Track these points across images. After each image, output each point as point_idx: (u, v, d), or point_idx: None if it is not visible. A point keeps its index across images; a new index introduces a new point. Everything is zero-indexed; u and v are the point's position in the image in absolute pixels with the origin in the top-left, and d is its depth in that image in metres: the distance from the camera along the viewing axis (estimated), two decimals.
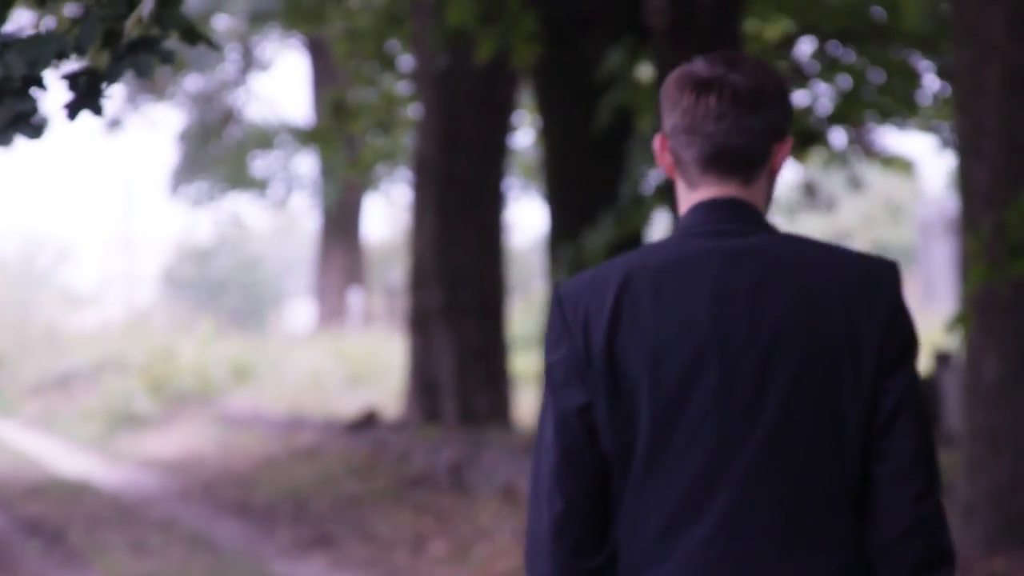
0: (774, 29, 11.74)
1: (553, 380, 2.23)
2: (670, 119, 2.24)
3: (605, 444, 2.20)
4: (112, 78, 3.13)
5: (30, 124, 3.14)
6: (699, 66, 2.23)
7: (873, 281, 2.20)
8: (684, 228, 2.23)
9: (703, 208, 2.23)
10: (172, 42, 3.30)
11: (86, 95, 3.17)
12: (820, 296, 2.18)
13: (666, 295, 2.18)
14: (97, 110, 3.16)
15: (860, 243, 34.63)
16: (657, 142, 2.28)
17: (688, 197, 2.26)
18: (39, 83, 3.14)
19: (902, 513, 2.18)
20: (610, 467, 2.20)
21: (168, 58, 3.11)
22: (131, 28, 3.12)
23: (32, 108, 3.13)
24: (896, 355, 2.20)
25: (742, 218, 2.21)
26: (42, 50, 3.09)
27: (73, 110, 3.18)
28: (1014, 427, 7.35)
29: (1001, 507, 7.34)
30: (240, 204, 29.79)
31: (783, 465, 2.16)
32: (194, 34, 3.20)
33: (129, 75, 3.20)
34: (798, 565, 2.16)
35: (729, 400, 2.16)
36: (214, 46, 3.27)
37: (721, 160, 2.21)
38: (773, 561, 2.16)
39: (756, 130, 2.21)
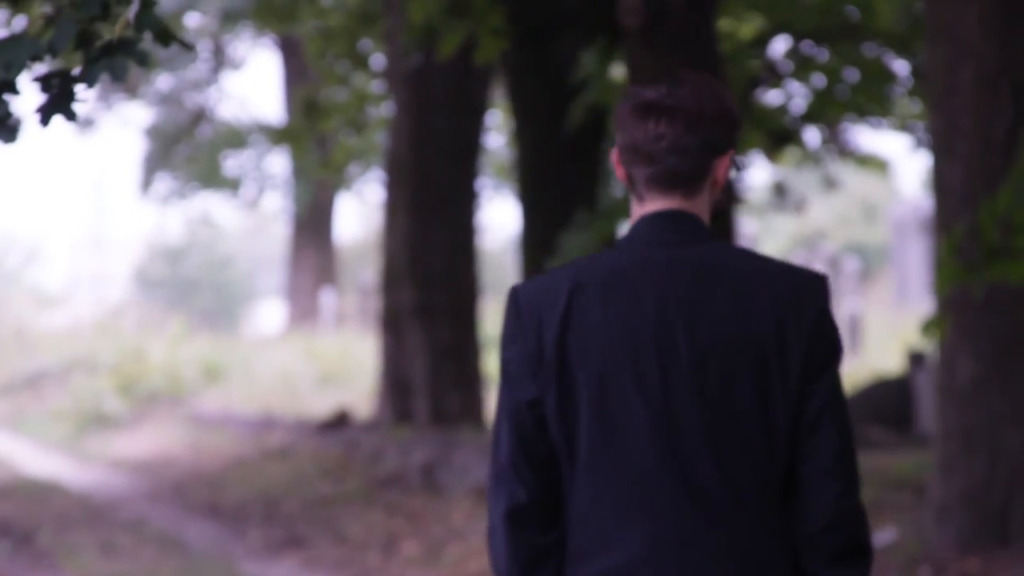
0: (748, 28, 11.72)
1: (508, 374, 2.42)
2: (620, 139, 2.45)
3: (554, 435, 2.39)
4: (88, 81, 3.09)
5: (4, 127, 3.11)
6: (643, 89, 2.44)
7: (802, 292, 2.39)
8: (631, 238, 2.43)
9: (649, 220, 2.43)
10: (146, 43, 3.26)
11: (59, 98, 3.13)
12: (753, 305, 2.37)
13: (612, 301, 2.38)
14: (70, 114, 3.13)
15: (834, 243, 34.69)
16: (614, 156, 2.48)
17: (638, 209, 2.46)
18: (12, 88, 3.10)
19: (826, 508, 2.36)
20: (557, 455, 2.39)
21: (144, 60, 3.09)
22: (119, 31, 3.10)
23: (5, 112, 3.09)
24: (821, 361, 2.38)
25: (684, 229, 2.41)
26: (16, 52, 3.05)
27: (46, 114, 3.14)
28: (988, 427, 7.34)
29: (975, 507, 7.34)
30: (212, 203, 29.65)
31: (718, 462, 2.34)
32: (168, 35, 3.18)
33: (103, 77, 3.16)
34: (737, 549, 2.35)
35: (668, 400, 2.35)
36: (188, 47, 3.25)
37: (662, 178, 2.41)
38: (713, 551, 2.34)
39: (693, 148, 2.39)
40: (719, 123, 2.43)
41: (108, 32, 3.15)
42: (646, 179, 2.43)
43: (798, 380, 2.38)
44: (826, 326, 2.40)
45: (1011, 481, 7.31)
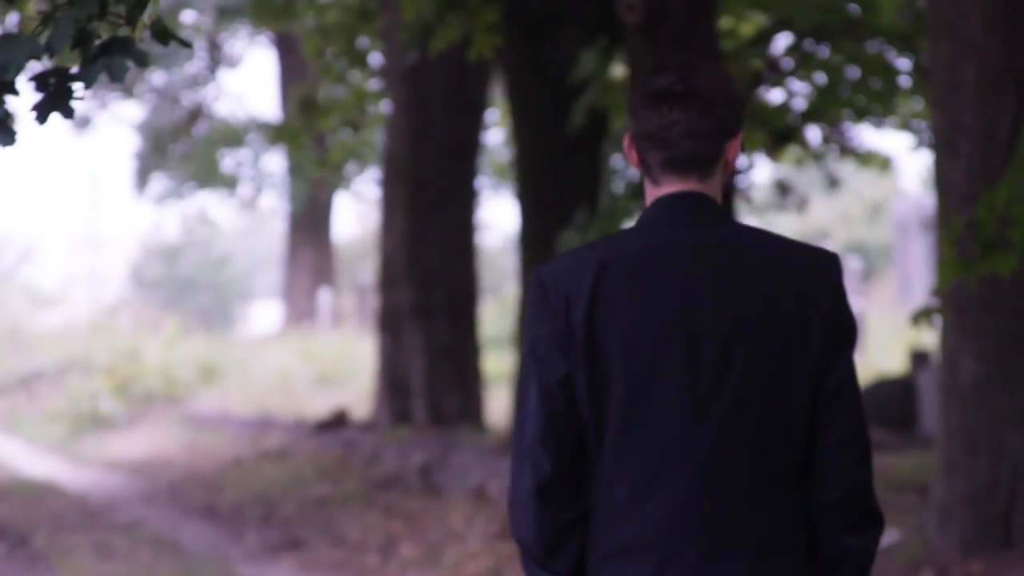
0: (749, 26, 11.66)
1: (537, 354, 2.50)
2: (634, 125, 2.55)
3: (583, 412, 2.48)
4: (86, 81, 3.06)
5: (4, 130, 3.07)
6: (656, 77, 2.53)
7: (820, 271, 2.51)
8: (651, 219, 2.53)
9: (667, 202, 2.53)
10: (144, 42, 3.22)
11: (56, 96, 3.09)
12: (774, 283, 2.48)
13: (639, 281, 2.47)
14: (67, 112, 3.09)
15: (837, 242, 34.64)
16: (626, 143, 2.60)
17: (653, 192, 2.56)
18: (11, 88, 3.07)
19: (844, 479, 2.49)
20: (586, 433, 2.49)
21: (143, 60, 3.06)
22: (137, 34, 3.07)
23: (4, 114, 3.06)
24: (839, 339, 2.52)
25: (702, 211, 2.51)
26: (13, 53, 3.01)
27: (42, 112, 3.10)
28: (991, 428, 7.28)
29: (978, 509, 7.28)
30: (208, 202, 29.57)
31: (743, 435, 2.45)
32: (167, 34, 3.15)
33: (101, 77, 3.11)
34: (757, 524, 2.46)
35: (695, 377, 2.46)
36: (186, 45, 3.21)
37: (678, 162, 2.52)
38: (736, 519, 2.45)
39: (707, 132, 2.50)
40: (729, 107, 2.53)
41: (106, 31, 3.12)
42: (662, 163, 2.53)
43: (820, 355, 2.49)
44: (843, 303, 2.53)
45: (1014, 483, 7.25)
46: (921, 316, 6.54)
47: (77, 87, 3.09)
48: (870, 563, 2.55)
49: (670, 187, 2.54)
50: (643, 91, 2.54)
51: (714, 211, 2.52)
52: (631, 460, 2.47)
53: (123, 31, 3.09)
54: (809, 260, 2.51)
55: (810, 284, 2.50)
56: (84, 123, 26.58)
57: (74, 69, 3.13)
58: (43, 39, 3.05)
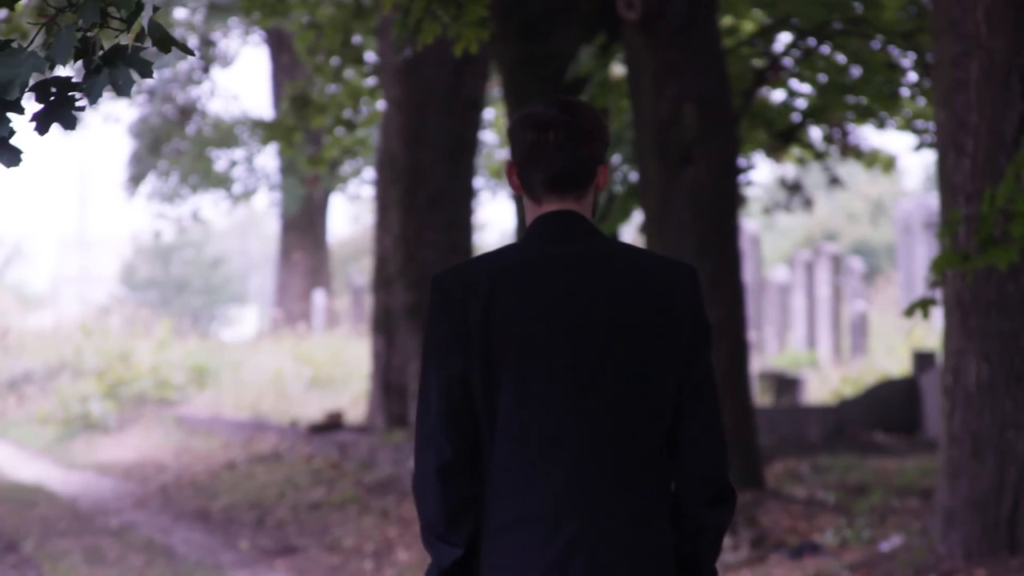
0: (750, 24, 11.56)
1: (437, 351, 2.84)
2: (518, 151, 2.88)
3: (478, 403, 2.82)
4: (91, 96, 3.02)
5: (8, 148, 3.02)
6: (538, 109, 2.89)
7: (681, 281, 2.88)
8: (534, 235, 2.89)
9: (547, 219, 2.89)
10: (146, 51, 3.14)
11: (56, 106, 3.04)
12: (642, 291, 2.85)
13: (526, 288, 2.84)
14: (69, 122, 3.04)
15: (842, 243, 34.58)
16: (507, 169, 2.92)
17: (534, 210, 2.91)
18: (16, 107, 3.01)
19: (706, 460, 2.88)
20: (481, 421, 2.82)
21: (145, 70, 3.03)
22: (131, 40, 3.04)
23: (9, 132, 3.00)
24: (698, 340, 2.89)
25: (578, 227, 2.88)
26: (17, 70, 2.97)
27: (43, 123, 3.05)
28: (996, 431, 7.18)
29: (983, 514, 7.18)
30: (201, 201, 29.42)
31: (618, 423, 2.82)
32: (169, 41, 3.11)
33: (106, 91, 3.03)
34: (631, 499, 2.82)
35: (576, 372, 2.82)
36: (189, 52, 3.15)
37: (559, 181, 2.87)
38: (613, 495, 2.81)
39: (584, 157, 2.87)
40: (600, 137, 2.91)
41: (106, 38, 3.08)
42: (544, 183, 2.88)
43: (682, 354, 2.87)
44: (700, 309, 2.91)
45: (1020, 487, 7.16)
46: (916, 307, 6.43)
47: (78, 96, 3.04)
48: (723, 533, 2.96)
49: (550, 206, 2.90)
50: (527, 119, 2.89)
51: (588, 227, 2.89)
52: (520, 445, 2.82)
53: (124, 39, 3.05)
54: (672, 272, 2.89)
55: (673, 292, 2.87)
56: (76, 123, 26.41)
57: (75, 77, 3.08)
58: (44, 51, 3.00)
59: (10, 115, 3.02)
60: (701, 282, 2.90)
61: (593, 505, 2.81)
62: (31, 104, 3.06)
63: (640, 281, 2.86)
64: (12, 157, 3.02)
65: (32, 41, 3.08)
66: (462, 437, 2.83)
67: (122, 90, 3.02)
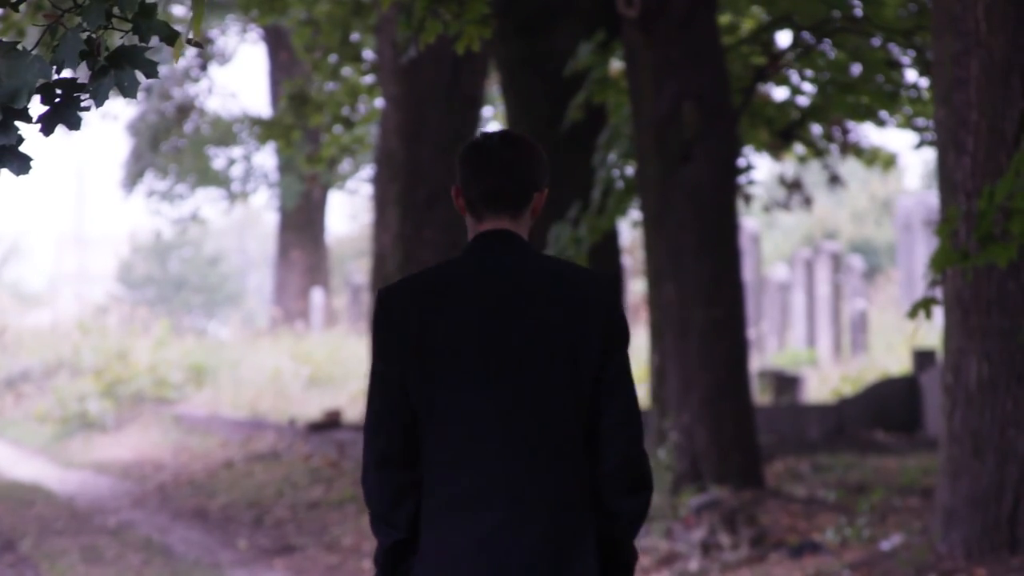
0: (750, 21, 11.53)
1: (382, 355, 3.18)
2: (465, 174, 3.23)
3: (413, 399, 3.15)
4: (97, 98, 3.01)
5: (16, 156, 3.00)
6: (483, 138, 3.26)
7: (600, 289, 3.20)
8: (473, 249, 3.22)
9: (485, 236, 3.22)
10: (151, 51, 3.12)
11: (62, 107, 3.02)
12: (566, 298, 3.17)
13: (460, 298, 3.17)
14: (74, 123, 3.02)
15: (844, 241, 34.52)
16: (454, 191, 3.27)
17: (475, 227, 3.24)
18: (24, 115, 2.99)
19: (621, 451, 3.15)
20: (418, 416, 3.15)
21: (152, 71, 3.02)
22: (176, 54, 3.08)
23: (18, 140, 2.99)
24: (616, 342, 3.18)
25: (513, 244, 3.21)
26: (23, 77, 2.95)
27: (48, 124, 3.02)
28: (996, 430, 7.15)
29: (983, 512, 7.15)
30: (199, 199, 29.40)
31: (540, 416, 3.13)
32: (176, 38, 3.08)
33: (112, 93, 3.02)
34: (551, 487, 3.12)
35: (503, 371, 3.13)
36: (197, 45, 3.14)
37: (499, 199, 3.21)
38: (534, 483, 3.11)
39: (524, 180, 3.22)
40: (540, 166, 3.26)
41: (109, 38, 3.06)
42: (485, 199, 3.22)
43: (600, 354, 3.16)
44: (617, 313, 3.21)
45: (1020, 486, 7.14)
46: (919, 308, 6.40)
47: (84, 96, 3.02)
48: (641, 521, 3.22)
49: (489, 224, 3.23)
50: (473, 145, 3.26)
51: (522, 245, 3.23)
52: (452, 436, 3.13)
53: (129, 40, 3.02)
54: (593, 282, 3.21)
55: (592, 298, 3.18)
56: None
57: (80, 78, 3.06)
58: (49, 54, 2.99)
59: (18, 122, 3.01)
60: (620, 291, 3.23)
61: (515, 492, 3.12)
62: (35, 105, 3.05)
63: (563, 291, 3.19)
64: (22, 165, 3.02)
65: (36, 44, 3.06)
66: (400, 432, 3.16)
67: (127, 91, 3.01)
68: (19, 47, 3.00)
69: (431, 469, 3.15)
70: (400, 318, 3.18)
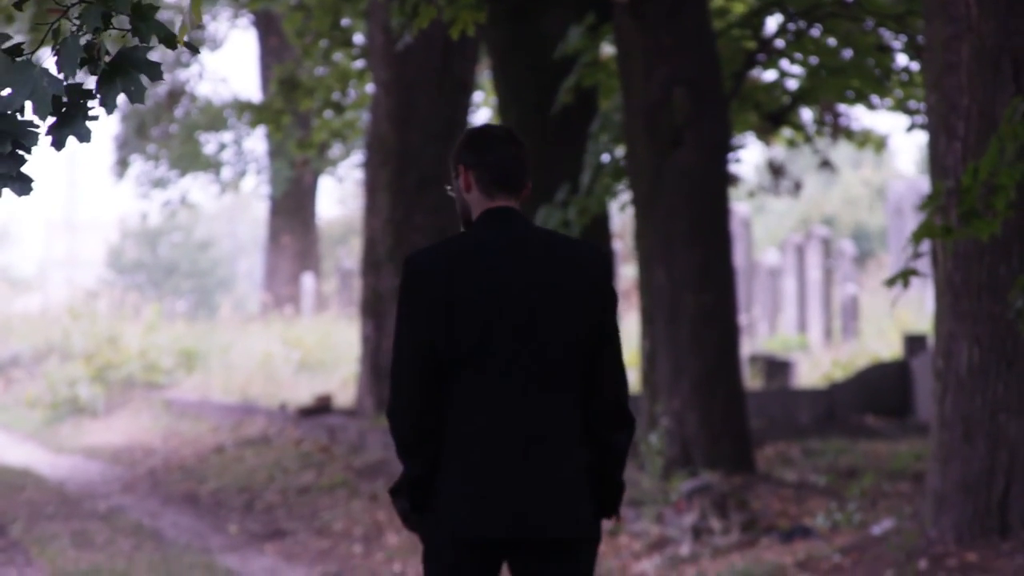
0: (741, 6, 11.51)
1: (411, 318, 3.68)
2: (476, 156, 3.75)
3: (443, 356, 3.66)
4: (106, 106, 2.99)
5: (20, 177, 2.99)
6: (494, 129, 3.83)
7: (596, 259, 3.76)
8: (484, 224, 3.73)
9: (493, 212, 3.75)
10: (153, 52, 3.09)
11: (70, 117, 2.98)
12: (567, 266, 3.72)
13: (482, 265, 3.68)
14: (84, 136, 2.99)
15: (836, 226, 34.48)
16: (460, 169, 3.77)
17: (484, 204, 3.76)
18: (29, 134, 2.98)
19: (613, 391, 3.75)
20: (445, 370, 3.67)
21: (157, 74, 3.00)
22: (181, 39, 3.08)
23: (22, 162, 2.98)
24: (611, 301, 3.76)
25: (518, 219, 3.76)
26: (29, 87, 2.94)
27: (59, 137, 2.99)
28: (987, 415, 7.16)
29: (974, 497, 7.16)
30: (189, 185, 29.32)
31: (548, 365, 3.69)
32: (174, 39, 3.07)
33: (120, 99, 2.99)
34: (556, 421, 3.70)
35: (518, 329, 3.68)
36: (195, 51, 3.11)
37: (509, 181, 3.76)
38: (543, 417, 3.69)
39: (526, 169, 3.80)
40: (529, 160, 3.83)
41: (108, 41, 3.04)
42: (501, 184, 3.76)
43: (597, 314, 3.73)
44: (610, 280, 3.79)
45: (1011, 470, 7.14)
46: (898, 278, 6.38)
47: (91, 104, 2.99)
48: (627, 454, 3.83)
49: (497, 202, 3.75)
50: (491, 132, 3.81)
51: (524, 220, 3.77)
52: (475, 382, 3.66)
53: (131, 42, 3.00)
54: (589, 251, 3.76)
55: (589, 267, 3.74)
56: None
57: (86, 84, 3.03)
58: (48, 60, 2.96)
59: (26, 157, 2.99)
60: (612, 260, 3.55)
61: (526, 428, 3.68)
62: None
63: (565, 258, 3.73)
64: (24, 186, 3.01)
65: (36, 49, 3.03)
66: (427, 378, 3.67)
67: (135, 96, 3.00)
68: (23, 58, 2.98)
69: (455, 409, 3.68)
70: (428, 279, 3.67)
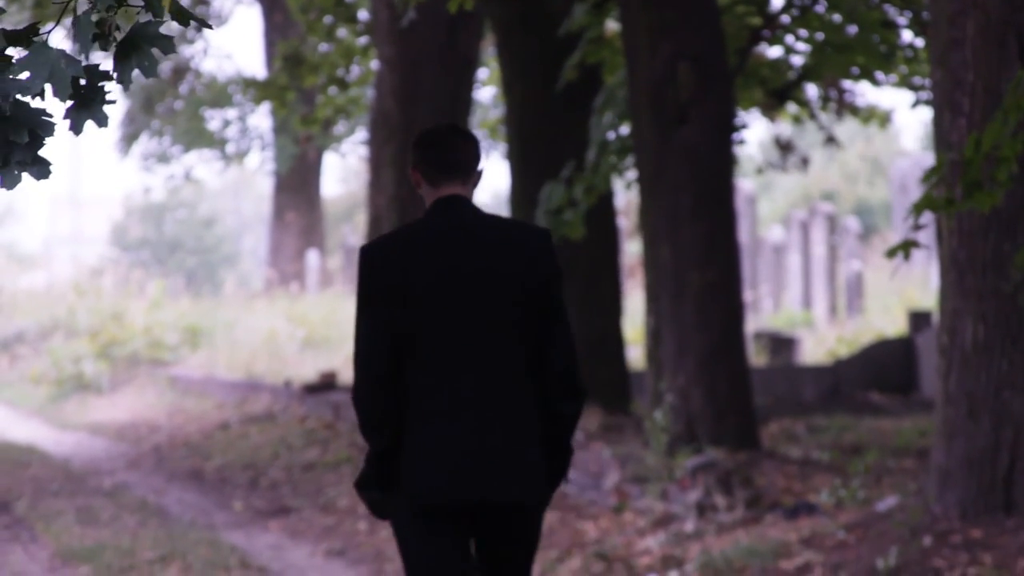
0: None
1: (370, 301, 3.98)
2: (424, 152, 4.07)
3: (399, 335, 3.96)
4: (123, 82, 2.98)
5: (38, 161, 2.99)
6: (436, 127, 4.12)
7: (539, 240, 4.06)
8: (434, 212, 4.03)
9: (443, 200, 4.04)
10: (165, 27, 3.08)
11: (88, 100, 2.98)
12: (512, 248, 4.02)
13: (431, 250, 3.98)
14: (102, 120, 2.99)
15: (840, 203, 34.42)
16: (411, 171, 4.11)
17: (433, 195, 4.06)
18: (44, 123, 2.98)
19: (561, 364, 4.03)
20: (403, 348, 3.97)
21: (168, 47, 3.01)
22: (168, 5, 3.04)
23: (39, 146, 2.98)
24: (554, 283, 4.04)
25: (465, 206, 4.04)
26: (47, 68, 2.92)
27: (77, 121, 2.98)
28: (992, 391, 7.14)
29: (978, 474, 7.15)
30: (194, 161, 29.31)
31: (499, 343, 3.99)
32: (186, 15, 3.07)
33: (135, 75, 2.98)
34: (508, 397, 3.98)
35: (469, 309, 3.96)
36: (207, 25, 3.10)
37: (454, 171, 4.05)
38: (496, 393, 3.97)
39: (469, 157, 4.08)
40: (477, 150, 4.13)
41: (124, 19, 3.04)
42: (443, 171, 4.05)
43: (544, 291, 4.02)
44: (553, 259, 4.07)
45: (1015, 447, 7.12)
46: (898, 249, 6.35)
47: (108, 87, 2.98)
48: (577, 420, 4.09)
49: (446, 190, 4.05)
50: (430, 130, 4.11)
51: (473, 206, 4.05)
52: (431, 363, 3.95)
53: (143, 18, 2.99)
54: (531, 233, 4.06)
55: (531, 248, 4.03)
56: None
57: (101, 63, 3.01)
58: (65, 41, 2.92)
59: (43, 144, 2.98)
60: (553, 241, 4.07)
61: (481, 404, 3.95)
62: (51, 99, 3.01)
63: (510, 241, 4.02)
64: (42, 170, 3.01)
65: (52, 29, 3.01)
66: (387, 361, 3.95)
67: (148, 71, 3.00)
68: (40, 38, 2.96)
69: (414, 389, 3.96)
70: (383, 267, 3.96)
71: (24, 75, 2.95)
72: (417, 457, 3.94)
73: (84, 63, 2.98)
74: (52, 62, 2.93)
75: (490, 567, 4.08)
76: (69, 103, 2.99)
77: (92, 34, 2.95)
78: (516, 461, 3.97)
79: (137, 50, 3.00)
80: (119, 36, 3.01)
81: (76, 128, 2.99)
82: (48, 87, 2.96)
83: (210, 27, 3.10)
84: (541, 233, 4.10)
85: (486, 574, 4.09)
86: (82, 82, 2.98)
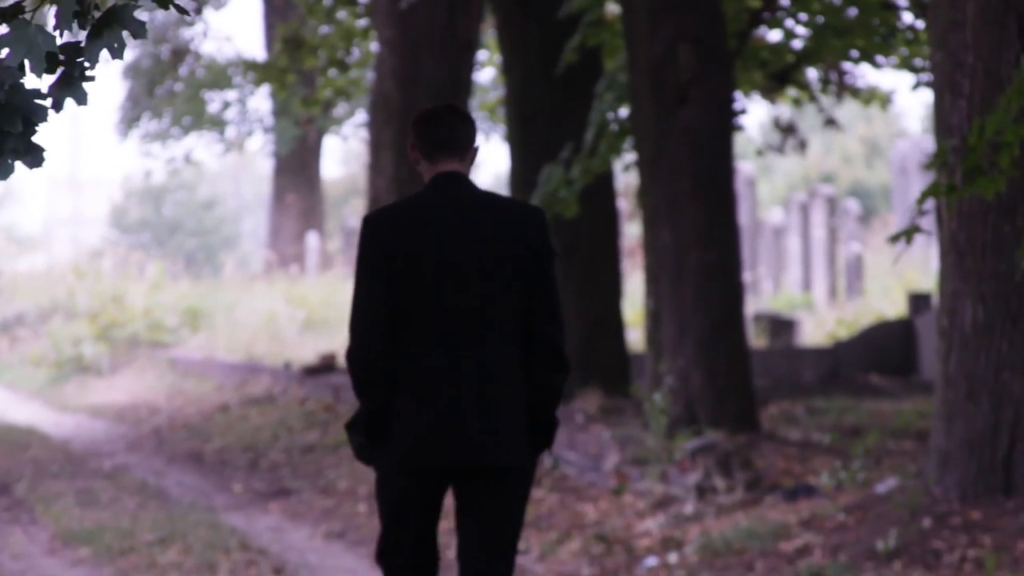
0: None
1: (369, 270, 4.16)
2: (422, 131, 4.26)
3: (394, 301, 4.14)
4: (90, 60, 3.00)
5: (32, 148, 3.01)
6: (433, 107, 4.32)
7: (532, 217, 4.24)
8: (433, 186, 4.22)
9: (441, 176, 4.22)
10: (141, 10, 3.08)
11: (69, 79, 3.00)
12: (506, 224, 4.20)
13: (428, 222, 4.18)
14: (81, 98, 3.00)
15: (839, 185, 34.40)
16: (410, 149, 4.30)
17: (432, 170, 4.24)
18: (34, 107, 3.00)
19: (550, 336, 4.21)
20: (399, 315, 4.15)
21: (141, 32, 3.01)
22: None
23: (32, 133, 3.00)
24: (546, 259, 4.21)
25: (462, 182, 4.24)
26: (27, 45, 2.94)
27: (58, 98, 3.00)
28: (992, 373, 7.15)
29: (978, 455, 7.16)
30: (194, 143, 29.27)
31: (491, 313, 4.16)
32: (166, 0, 3.08)
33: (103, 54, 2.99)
34: (499, 363, 4.16)
35: (463, 281, 4.14)
36: (184, 12, 3.12)
37: (451, 144, 4.23)
38: (488, 360, 4.15)
39: (468, 132, 4.27)
40: (473, 128, 4.30)
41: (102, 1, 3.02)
42: (440, 148, 4.23)
43: (534, 266, 4.19)
44: (546, 236, 4.24)
45: (1015, 429, 7.14)
46: (901, 235, 6.36)
47: (87, 64, 3.01)
48: (561, 392, 4.28)
49: (443, 166, 4.22)
50: (428, 112, 4.29)
51: (468, 183, 4.24)
52: (425, 329, 4.13)
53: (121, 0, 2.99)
54: (525, 211, 4.26)
55: (526, 224, 4.20)
56: None
57: (81, 40, 3.04)
58: (50, 25, 2.95)
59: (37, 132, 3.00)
60: (546, 219, 4.26)
61: (471, 369, 4.12)
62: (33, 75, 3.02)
63: (505, 218, 4.20)
64: (35, 158, 3.02)
65: (38, 7, 3.02)
66: (382, 325, 4.13)
67: (116, 53, 3.01)
68: (22, 16, 2.97)
69: (407, 354, 4.14)
70: (384, 237, 4.15)
71: (4, 51, 2.95)
72: (407, 419, 4.11)
73: (64, 41, 2.99)
74: (30, 38, 2.94)
75: (476, 532, 4.23)
76: (51, 81, 3.00)
77: (73, 11, 2.96)
78: (501, 426, 4.12)
79: (109, 30, 3.00)
80: (97, 15, 3.02)
81: (57, 106, 3.00)
82: (26, 63, 2.98)
83: (187, 13, 3.10)
84: (535, 211, 4.28)
85: (471, 540, 4.23)
86: (61, 58, 2.98)
